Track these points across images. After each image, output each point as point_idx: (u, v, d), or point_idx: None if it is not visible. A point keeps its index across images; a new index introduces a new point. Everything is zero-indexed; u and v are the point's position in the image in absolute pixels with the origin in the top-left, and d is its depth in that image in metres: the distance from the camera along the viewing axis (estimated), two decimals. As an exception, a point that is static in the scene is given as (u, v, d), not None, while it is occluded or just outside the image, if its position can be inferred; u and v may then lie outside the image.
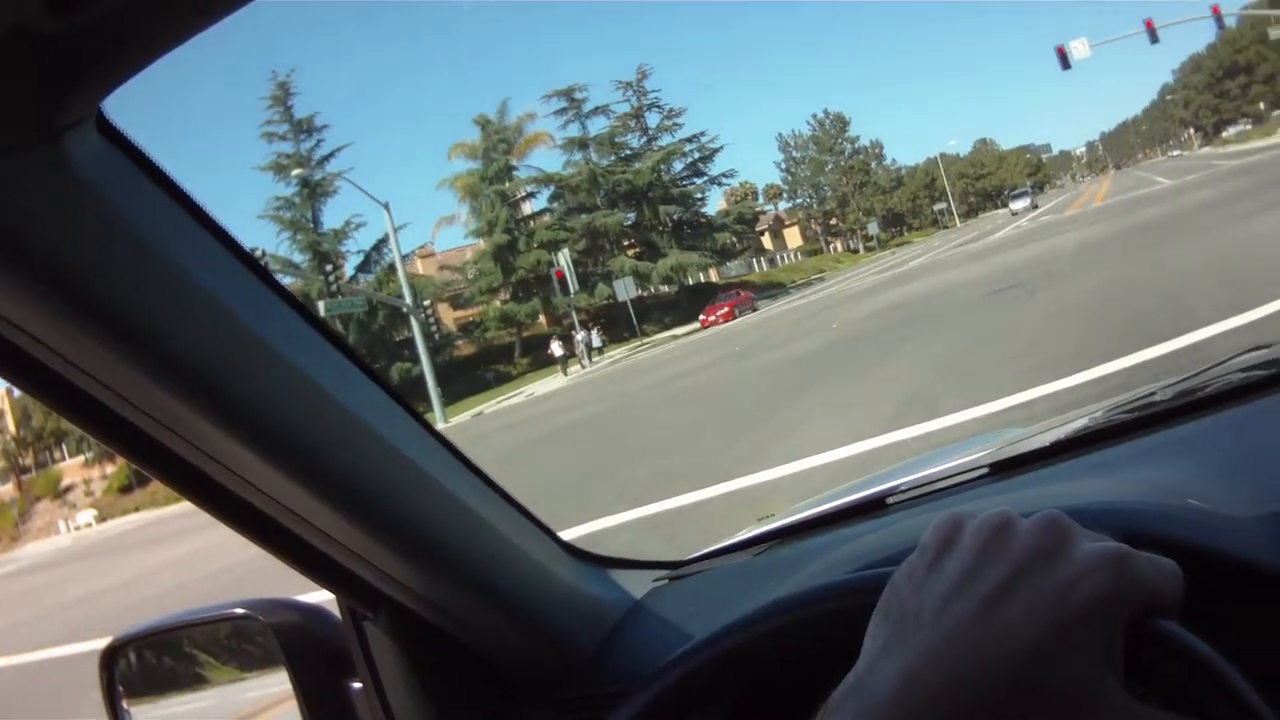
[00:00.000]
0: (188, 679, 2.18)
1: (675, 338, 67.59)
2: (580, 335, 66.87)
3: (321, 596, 1.74)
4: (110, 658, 2.06)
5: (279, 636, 1.81)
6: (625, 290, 71.72)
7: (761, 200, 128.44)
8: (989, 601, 0.83)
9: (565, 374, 61.10)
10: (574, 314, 73.66)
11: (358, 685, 1.77)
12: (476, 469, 1.62)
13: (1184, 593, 0.87)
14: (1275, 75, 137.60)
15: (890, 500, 2.00)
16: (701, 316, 70.20)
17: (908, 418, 12.85)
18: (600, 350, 68.40)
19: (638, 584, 2.00)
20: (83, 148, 0.98)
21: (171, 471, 1.28)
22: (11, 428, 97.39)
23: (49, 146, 0.94)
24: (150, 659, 2.17)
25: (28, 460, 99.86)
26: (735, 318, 66.83)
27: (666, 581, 2.04)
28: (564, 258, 71.21)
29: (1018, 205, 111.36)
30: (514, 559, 1.66)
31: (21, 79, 0.87)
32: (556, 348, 64.32)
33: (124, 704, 2.07)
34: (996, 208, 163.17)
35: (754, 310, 69.20)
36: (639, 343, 70.66)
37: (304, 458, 1.27)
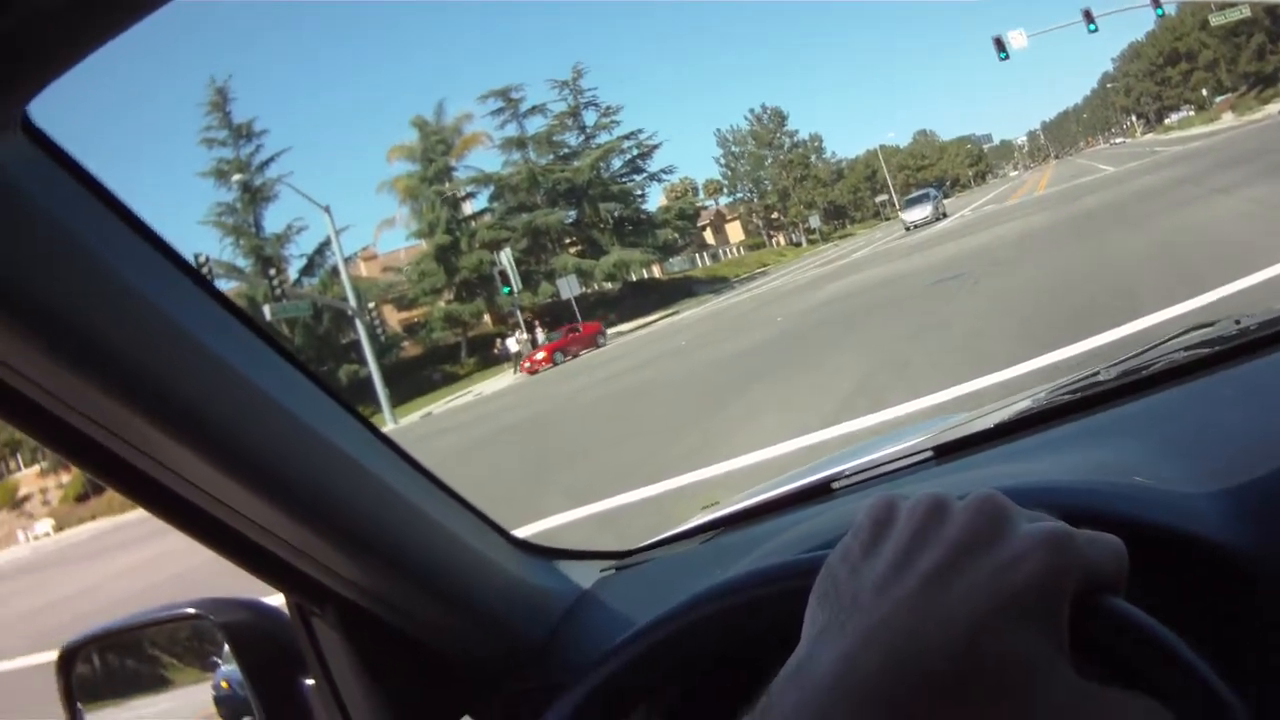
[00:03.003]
0: (148, 681, 2.19)
1: (620, 334, 67.78)
2: (524, 335, 66.94)
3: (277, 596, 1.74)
4: (66, 662, 2.06)
5: (230, 635, 1.82)
6: (569, 288, 71.94)
7: (702, 196, 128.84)
8: (927, 583, 0.82)
9: (516, 372, 61.08)
10: (518, 313, 73.72)
11: (311, 682, 1.77)
12: (417, 464, 1.62)
13: (1128, 569, 0.87)
14: (1217, 62, 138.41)
15: (835, 485, 2.02)
16: (524, 362, 61.98)
17: (853, 411, 12.89)
18: (545, 349, 67.58)
19: (585, 574, 2.00)
20: (8, 153, 0.96)
21: (113, 472, 1.28)
22: None
23: None
24: (109, 662, 2.16)
25: None
26: (554, 364, 58.64)
27: (614, 571, 2.05)
28: (505, 257, 71.26)
29: (913, 215, 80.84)
30: (458, 552, 1.66)
31: None
32: (512, 344, 64.75)
33: (80, 707, 2.06)
34: (946, 196, 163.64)
35: (599, 346, 62.17)
36: (584, 341, 70.68)
37: (243, 457, 1.27)
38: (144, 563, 27.10)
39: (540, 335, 68.09)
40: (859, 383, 15.24)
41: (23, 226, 1.00)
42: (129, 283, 1.11)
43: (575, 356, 59.33)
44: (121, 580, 25.52)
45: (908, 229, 76.19)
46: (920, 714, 0.76)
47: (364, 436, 1.49)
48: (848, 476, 2.02)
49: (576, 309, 72.52)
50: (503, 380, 57.65)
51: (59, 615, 22.76)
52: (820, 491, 2.03)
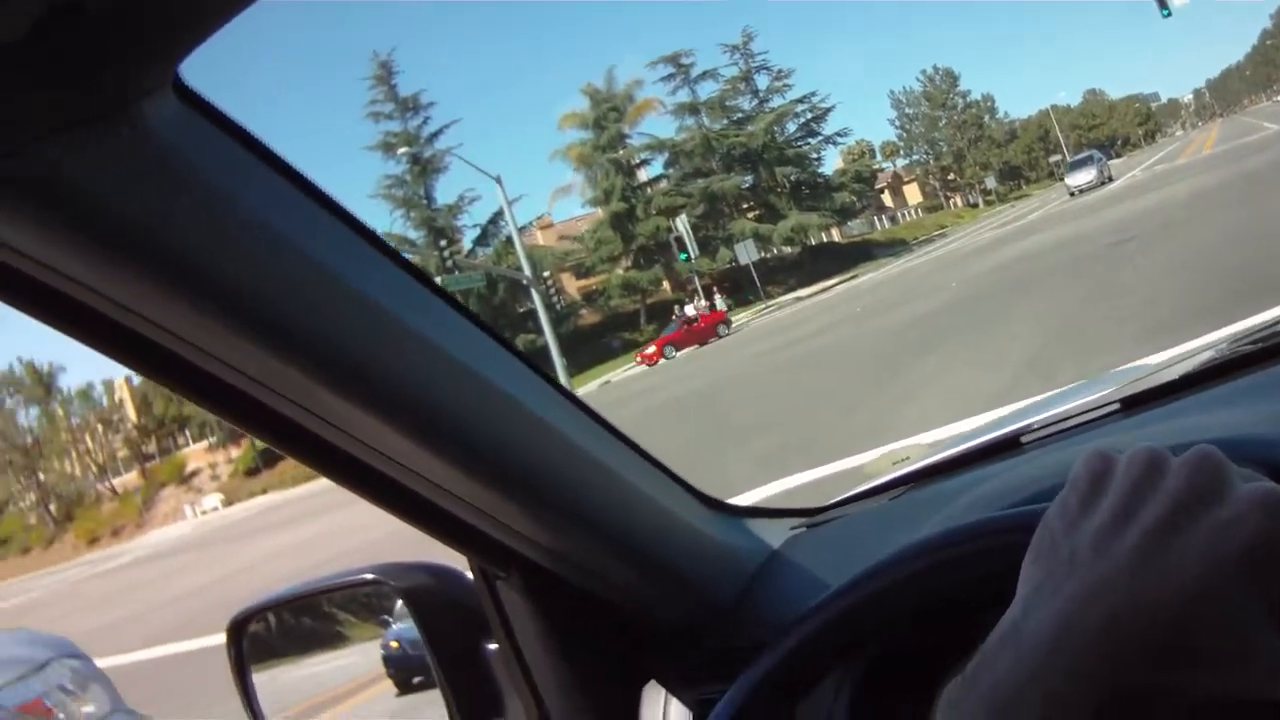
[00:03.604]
0: (318, 641, 2.26)
1: (799, 299, 66.79)
2: (703, 301, 66.11)
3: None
4: (238, 630, 2.07)
5: (411, 601, 1.83)
6: (746, 253, 71.23)
7: (879, 158, 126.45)
8: (1146, 541, 0.80)
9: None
10: (696, 279, 72.96)
11: (494, 646, 1.78)
12: (605, 422, 1.58)
13: None
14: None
15: (1024, 439, 1.96)
16: (638, 355, 60.96)
17: (1025, 386, 12.37)
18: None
19: (774, 533, 1.95)
20: (161, 114, 0.95)
21: (294, 442, 1.30)
22: (133, 416, 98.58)
23: (125, 114, 0.91)
24: (283, 622, 2.20)
25: (151, 448, 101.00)
26: (665, 358, 56.61)
27: (804, 529, 2.00)
28: (682, 223, 70.36)
29: (1077, 179, 74.35)
30: (648, 509, 1.62)
31: (92, 45, 0.84)
32: (690, 310, 63.70)
33: (252, 676, 2.08)
34: (1110, 158, 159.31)
35: (720, 337, 58.51)
36: (763, 306, 69.99)
37: (431, 420, 1.26)
38: (304, 541, 27.56)
39: (719, 301, 67.34)
40: (1031, 356, 14.85)
41: (181, 188, 0.98)
42: (299, 244, 1.09)
43: (718, 338, 57.86)
44: (280, 560, 25.51)
45: (1072, 194, 71.51)
46: (1137, 678, 0.75)
47: (552, 396, 1.48)
48: (1035, 430, 1.97)
49: (755, 274, 71.81)
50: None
51: (203, 600, 22.85)
52: (1008, 446, 1.98)
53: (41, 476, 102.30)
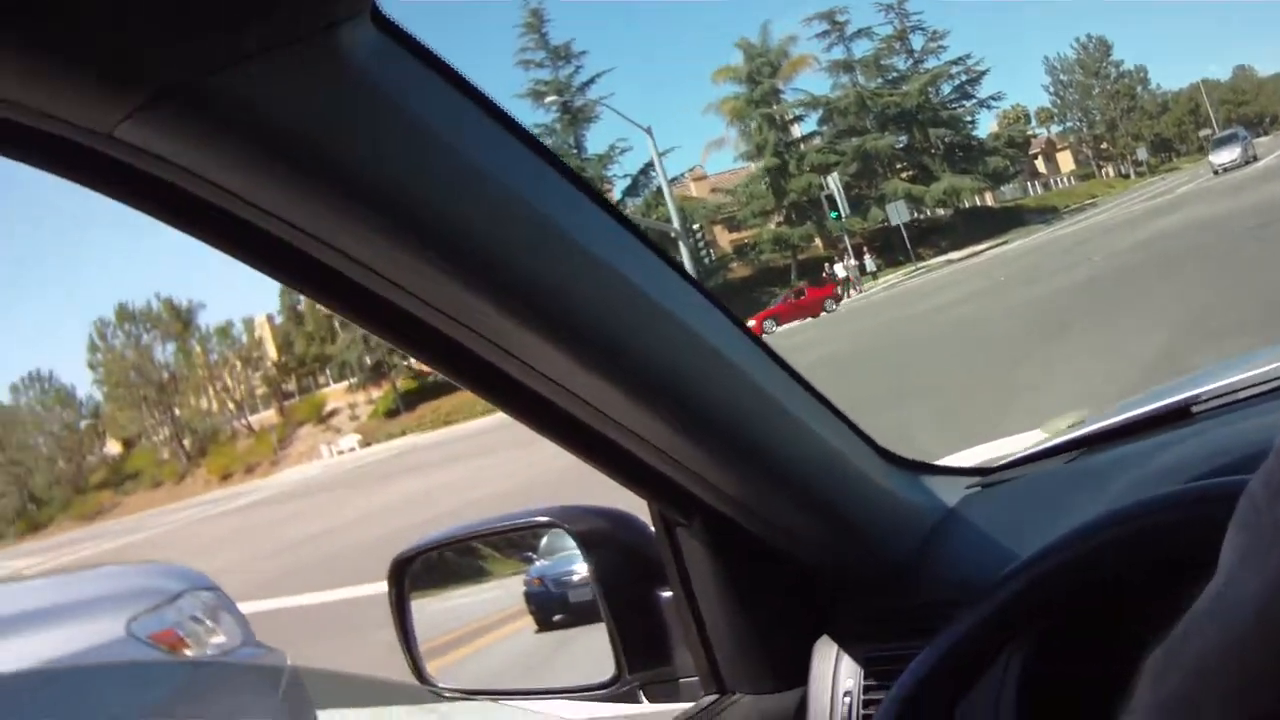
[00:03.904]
0: (464, 575, 2.26)
1: (950, 262, 65.80)
2: (852, 260, 65.91)
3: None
4: (400, 569, 2.10)
5: (584, 544, 1.85)
6: (897, 214, 70.73)
7: (1034, 123, 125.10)
8: None
9: (845, 297, 60.11)
10: (846, 238, 72.52)
11: (667, 594, 1.80)
12: (791, 368, 1.55)
13: None
14: None
15: (1195, 409, 1.94)
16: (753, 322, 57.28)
17: (1158, 378, 11.28)
18: (874, 275, 67.38)
19: (950, 491, 1.94)
20: (359, 41, 0.95)
21: (481, 378, 1.30)
22: (273, 354, 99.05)
23: (323, 39, 0.91)
24: (432, 560, 2.20)
25: (290, 386, 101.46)
26: (764, 332, 51.75)
27: (979, 489, 1.98)
28: (834, 181, 70.34)
29: (1221, 157, 71.85)
30: (832, 460, 1.61)
31: None
32: (839, 269, 63.68)
33: (412, 614, 2.09)
34: (1257, 135, 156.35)
35: (828, 312, 57.58)
36: (913, 267, 69.21)
37: (622, 359, 1.26)
38: (429, 490, 27.10)
39: (869, 261, 67.24)
40: (1167, 349, 13.96)
41: (378, 116, 0.98)
42: (498, 177, 1.09)
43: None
44: (398, 513, 24.49)
45: (1216, 172, 69.26)
46: None
47: (743, 340, 1.45)
48: (1205, 401, 1.94)
49: (905, 235, 71.34)
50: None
51: (305, 554, 22.55)
52: (1179, 415, 1.95)
53: (177, 412, 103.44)
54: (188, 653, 5.01)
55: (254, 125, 0.91)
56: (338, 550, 20.59)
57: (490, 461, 28.16)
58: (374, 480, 39.48)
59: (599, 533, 1.87)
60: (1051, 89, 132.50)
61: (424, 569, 2.16)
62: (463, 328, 1.17)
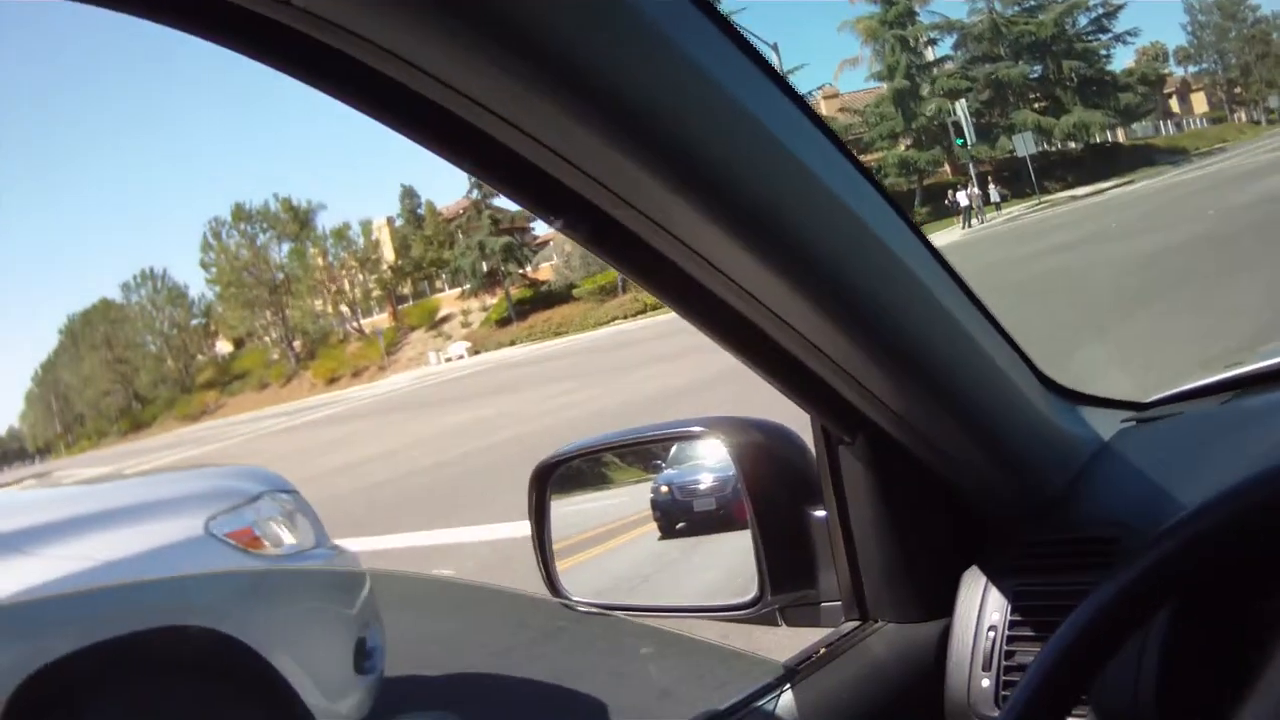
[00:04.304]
0: (597, 479, 2.25)
1: (1075, 198, 64.10)
2: (975, 189, 64.48)
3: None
4: (543, 476, 2.13)
5: (738, 457, 1.82)
6: (1024, 145, 69.58)
7: (1173, 62, 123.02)
8: None
9: (965, 226, 59.15)
10: (970, 167, 70.93)
11: (819, 513, 1.80)
12: (964, 282, 1.53)
13: None
14: None
15: None
16: None
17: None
18: (998, 206, 66.02)
19: (1105, 424, 1.92)
20: None
21: (659, 277, 1.30)
22: (390, 257, 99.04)
23: None
24: (584, 468, 2.24)
25: (405, 290, 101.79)
26: None
27: (1134, 424, 1.96)
28: (961, 107, 69.23)
29: None
30: (1000, 384, 1.60)
31: None
32: (962, 198, 62.40)
33: (550, 528, 2.12)
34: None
35: None
36: (1037, 201, 67.48)
37: (811, 268, 1.25)
38: (506, 414, 26.38)
39: (993, 191, 65.93)
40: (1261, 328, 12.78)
41: (619, 22, 0.96)
42: (704, 68, 1.06)
43: None
44: (464, 437, 23.88)
45: None
46: None
47: (923, 252, 1.44)
48: None
49: (1030, 167, 70.01)
50: (950, 235, 55.09)
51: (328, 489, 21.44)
52: None
53: (288, 313, 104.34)
54: (263, 551, 5.23)
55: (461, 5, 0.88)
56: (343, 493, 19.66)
57: (596, 383, 28.04)
58: (464, 398, 38.36)
59: (754, 445, 1.84)
60: (1189, 28, 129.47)
61: (565, 476, 2.17)
62: (647, 221, 1.16)
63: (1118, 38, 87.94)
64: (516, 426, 22.43)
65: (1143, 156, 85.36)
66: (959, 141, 68.20)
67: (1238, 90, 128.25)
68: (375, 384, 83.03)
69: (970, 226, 59.34)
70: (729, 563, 1.90)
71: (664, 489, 2.10)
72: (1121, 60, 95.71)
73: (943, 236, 55.76)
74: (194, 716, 4.57)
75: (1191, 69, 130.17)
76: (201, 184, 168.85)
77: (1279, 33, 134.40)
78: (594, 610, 2.17)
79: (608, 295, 73.72)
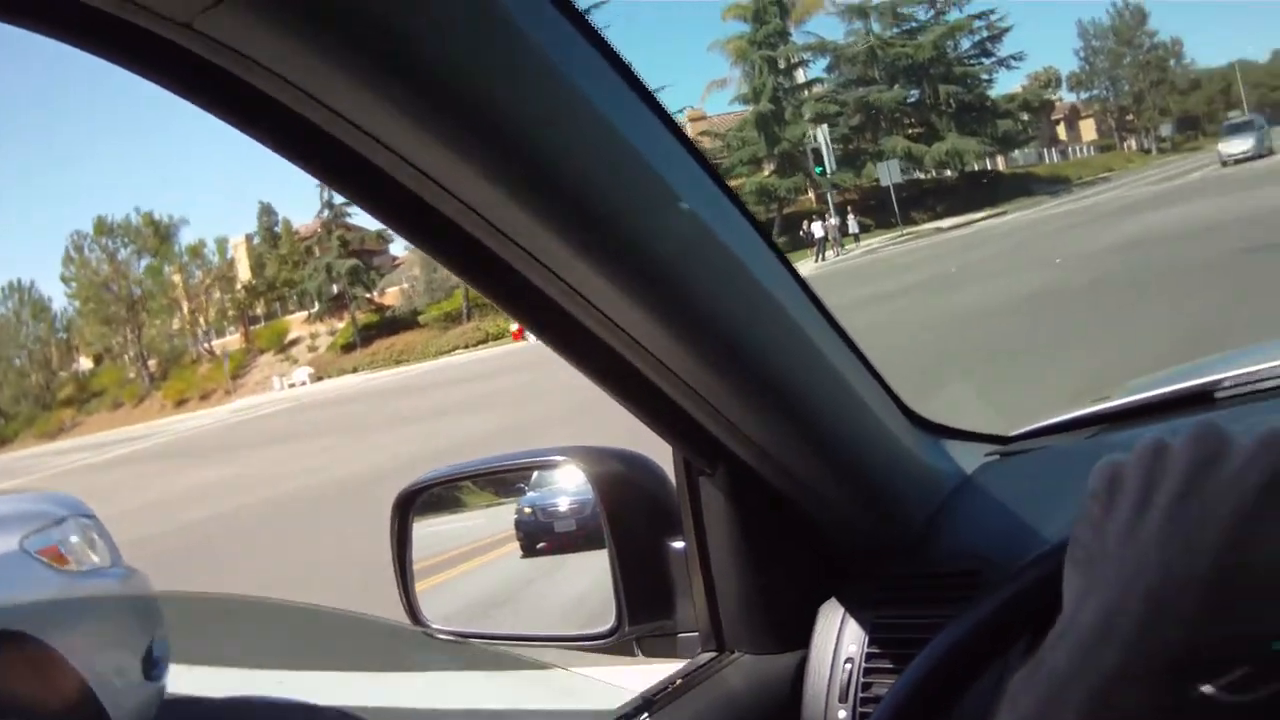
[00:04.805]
0: (458, 502, 2.27)
1: (939, 230, 61.33)
2: (833, 220, 61.27)
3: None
4: (405, 503, 2.11)
5: (598, 486, 1.81)
6: (889, 173, 66.39)
7: (1065, 88, 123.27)
8: (1167, 517, 0.84)
9: (818, 260, 55.94)
10: (829, 195, 67.69)
11: (678, 544, 1.79)
12: (829, 313, 1.54)
13: None
14: None
15: (1217, 395, 1.95)
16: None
17: None
18: (857, 238, 63.05)
19: (968, 457, 1.92)
20: None
21: (524, 303, 1.30)
22: (245, 275, 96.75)
23: None
24: (447, 495, 2.26)
25: (260, 310, 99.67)
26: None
27: (997, 458, 1.98)
28: (822, 133, 65.99)
29: (1232, 147, 64.03)
30: (861, 419, 1.59)
31: None
32: (817, 228, 59.28)
33: (411, 555, 2.10)
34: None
35: None
36: (900, 233, 64.68)
37: (669, 294, 1.23)
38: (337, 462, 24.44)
39: (852, 222, 63.18)
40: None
41: (479, 25, 0.97)
42: (587, 98, 1.08)
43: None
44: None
45: (1224, 163, 61.58)
46: (1191, 638, 0.79)
47: (790, 283, 1.45)
48: (1228, 387, 1.95)
49: (895, 197, 67.00)
50: (801, 268, 51.99)
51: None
52: (1201, 398, 1.97)
53: (143, 331, 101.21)
54: (68, 568, 5.77)
55: (347, 23, 0.89)
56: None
57: (440, 426, 26.08)
58: (236, 445, 37.15)
59: (613, 475, 1.82)
60: (1082, 54, 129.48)
61: (426, 503, 2.16)
62: (512, 245, 1.16)
63: (1001, 62, 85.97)
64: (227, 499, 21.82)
65: (1021, 186, 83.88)
66: (818, 170, 65.27)
67: (1129, 118, 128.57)
68: (216, 409, 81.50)
69: (823, 259, 56.32)
70: (585, 586, 1.92)
71: (527, 510, 2.15)
72: (1008, 85, 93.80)
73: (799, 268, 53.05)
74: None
75: (1083, 95, 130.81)
76: (69, 195, 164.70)
77: (1176, 60, 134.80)
78: (453, 638, 2.12)
79: (452, 322, 72.53)
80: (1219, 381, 1.94)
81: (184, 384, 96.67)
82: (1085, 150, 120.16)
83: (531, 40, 1.00)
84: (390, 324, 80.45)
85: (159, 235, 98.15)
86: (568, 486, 2.00)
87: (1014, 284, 23.64)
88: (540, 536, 2.13)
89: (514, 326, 59.16)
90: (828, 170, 64.89)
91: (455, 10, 0.93)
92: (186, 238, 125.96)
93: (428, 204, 1.09)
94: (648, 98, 1.16)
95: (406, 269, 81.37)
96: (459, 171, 1.03)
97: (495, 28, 0.96)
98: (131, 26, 0.89)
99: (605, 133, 1.08)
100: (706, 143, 77.18)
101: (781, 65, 76.56)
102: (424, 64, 0.93)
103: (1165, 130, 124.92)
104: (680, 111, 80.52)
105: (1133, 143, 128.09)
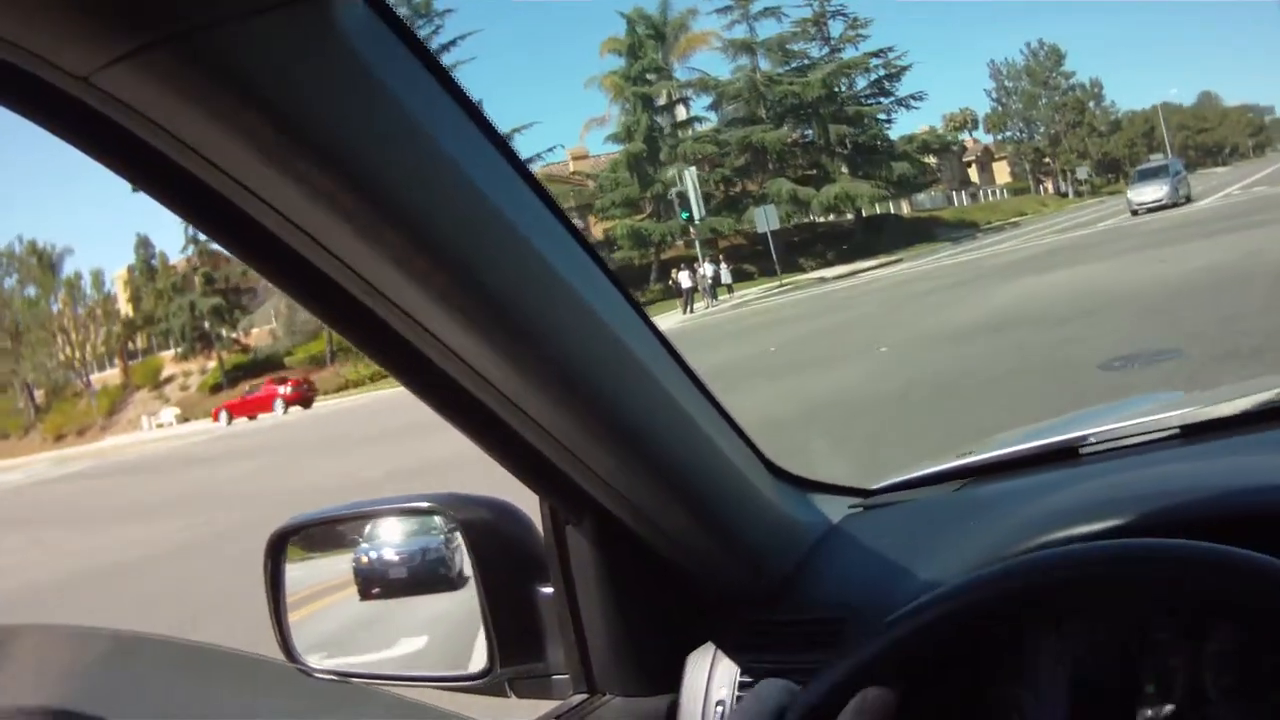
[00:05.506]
0: (309, 545, 2.23)
1: (822, 280, 57.87)
2: (704, 268, 57.89)
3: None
4: (277, 545, 2.11)
5: (467, 534, 1.85)
6: (765, 220, 62.43)
7: (981, 129, 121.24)
8: None
9: (686, 311, 52.86)
10: (697, 243, 64.16)
11: (546, 590, 1.83)
12: (693, 374, 1.57)
13: None
14: None
15: (1082, 450, 1.97)
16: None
17: None
18: (730, 287, 59.44)
19: (834, 509, 1.97)
20: (349, 14, 0.98)
21: (393, 354, 1.32)
22: (125, 309, 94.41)
23: (318, 7, 0.94)
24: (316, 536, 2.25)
25: (137, 345, 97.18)
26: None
27: (861, 510, 2.01)
28: (690, 176, 63.08)
29: (1143, 194, 58.40)
30: (725, 471, 1.62)
31: None
32: (684, 279, 56.18)
33: (285, 594, 2.10)
34: (1216, 165, 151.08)
35: (303, 406, 59.69)
36: (779, 282, 60.13)
37: (542, 352, 1.27)
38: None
39: (724, 272, 59.69)
40: None
41: (357, 93, 1.01)
42: (456, 165, 1.12)
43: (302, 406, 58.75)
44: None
45: (1134, 212, 56.45)
46: None
47: (650, 338, 1.47)
48: (1093, 444, 1.98)
49: (772, 244, 62.80)
50: (668, 320, 48.49)
51: None
52: (1066, 454, 1.99)
53: (26, 363, 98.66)
54: None
55: (233, 85, 0.93)
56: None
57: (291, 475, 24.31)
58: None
59: (482, 522, 1.87)
60: (994, 94, 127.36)
61: (296, 543, 2.17)
62: (382, 299, 1.18)
63: (900, 102, 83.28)
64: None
65: (923, 230, 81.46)
66: (684, 215, 62.40)
67: (1045, 160, 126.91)
68: (90, 445, 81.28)
69: (691, 311, 53.14)
70: (429, 625, 2.07)
71: (364, 559, 2.14)
72: (913, 125, 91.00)
73: (661, 322, 49.75)
74: None
75: (997, 136, 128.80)
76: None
77: (1096, 102, 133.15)
78: (329, 677, 2.11)
79: (317, 365, 70.39)
80: (1084, 437, 1.97)
81: (62, 418, 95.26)
82: (999, 193, 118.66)
83: (424, 128, 1.05)
84: (259, 365, 78.17)
85: (42, 264, 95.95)
86: (415, 533, 2.05)
87: (818, 382, 18.68)
88: (375, 582, 2.11)
89: (257, 392, 60.60)
90: (694, 215, 62.05)
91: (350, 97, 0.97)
92: (71, 267, 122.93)
93: (287, 244, 1.11)
94: (493, 136, 1.17)
95: (276, 308, 79.38)
96: (340, 232, 1.06)
97: (376, 96, 0.99)
98: (27, 75, 0.91)
99: (448, 173, 1.10)
100: (566, 187, 74.51)
101: (660, 102, 74.18)
102: (310, 135, 0.97)
103: (1083, 173, 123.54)
104: (563, 148, 79.16)
105: (1049, 185, 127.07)
